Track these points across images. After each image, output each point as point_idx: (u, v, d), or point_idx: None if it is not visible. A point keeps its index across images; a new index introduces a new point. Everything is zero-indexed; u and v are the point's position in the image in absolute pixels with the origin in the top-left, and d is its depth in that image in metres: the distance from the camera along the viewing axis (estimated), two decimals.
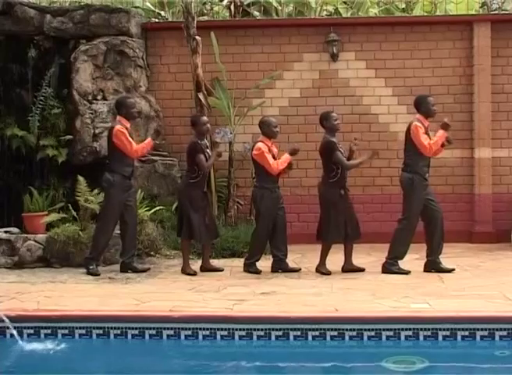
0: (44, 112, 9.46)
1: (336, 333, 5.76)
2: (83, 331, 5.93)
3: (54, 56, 9.88)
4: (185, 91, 10.22)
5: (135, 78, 9.89)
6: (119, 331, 5.92)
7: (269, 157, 7.96)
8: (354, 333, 5.75)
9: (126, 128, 8.04)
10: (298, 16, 11.37)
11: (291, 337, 5.80)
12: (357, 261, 8.11)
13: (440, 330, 5.72)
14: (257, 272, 8.01)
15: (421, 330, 5.73)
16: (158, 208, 9.22)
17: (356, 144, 8.09)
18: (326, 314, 6.00)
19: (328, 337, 5.76)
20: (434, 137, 7.85)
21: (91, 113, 9.63)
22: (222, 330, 5.83)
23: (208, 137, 8.73)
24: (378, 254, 8.77)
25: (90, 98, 9.71)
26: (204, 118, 8.42)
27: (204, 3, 12.00)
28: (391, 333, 5.73)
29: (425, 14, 11.51)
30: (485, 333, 5.69)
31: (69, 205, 8.87)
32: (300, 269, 8.11)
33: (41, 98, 9.38)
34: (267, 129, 8.10)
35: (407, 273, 7.82)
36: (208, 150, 8.23)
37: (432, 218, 7.91)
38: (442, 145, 7.92)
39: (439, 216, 7.92)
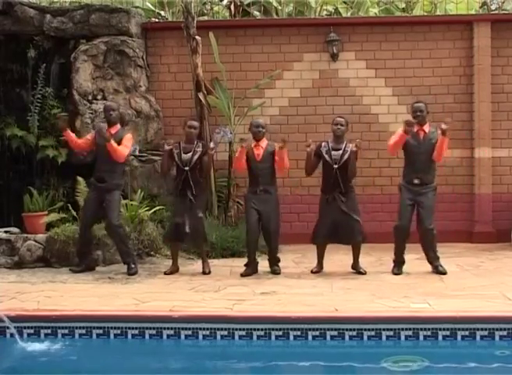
0: (43, 112, 9.47)
1: (335, 333, 5.76)
2: (83, 331, 5.93)
3: (54, 56, 9.89)
4: (185, 91, 10.22)
5: (135, 78, 9.90)
6: (119, 331, 5.92)
7: (237, 158, 7.96)
8: (354, 333, 5.75)
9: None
10: (298, 15, 11.37)
11: (291, 337, 5.79)
12: None
13: (440, 330, 5.71)
14: (245, 274, 7.86)
15: (421, 330, 5.72)
16: (158, 208, 9.21)
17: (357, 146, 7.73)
18: (326, 314, 5.99)
19: (328, 337, 5.76)
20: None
21: (91, 113, 9.65)
22: (222, 330, 5.83)
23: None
24: (378, 254, 8.79)
25: (90, 97, 9.74)
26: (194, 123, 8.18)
27: (204, 3, 12.01)
28: (391, 333, 5.73)
29: (425, 14, 11.51)
30: (485, 333, 5.69)
31: (69, 205, 8.88)
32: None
33: (38, 96, 9.38)
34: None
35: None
36: (185, 154, 7.91)
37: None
38: (405, 132, 7.55)
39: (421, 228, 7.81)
